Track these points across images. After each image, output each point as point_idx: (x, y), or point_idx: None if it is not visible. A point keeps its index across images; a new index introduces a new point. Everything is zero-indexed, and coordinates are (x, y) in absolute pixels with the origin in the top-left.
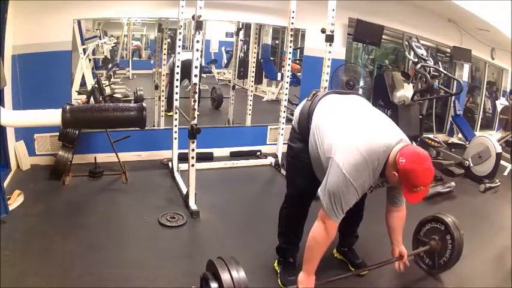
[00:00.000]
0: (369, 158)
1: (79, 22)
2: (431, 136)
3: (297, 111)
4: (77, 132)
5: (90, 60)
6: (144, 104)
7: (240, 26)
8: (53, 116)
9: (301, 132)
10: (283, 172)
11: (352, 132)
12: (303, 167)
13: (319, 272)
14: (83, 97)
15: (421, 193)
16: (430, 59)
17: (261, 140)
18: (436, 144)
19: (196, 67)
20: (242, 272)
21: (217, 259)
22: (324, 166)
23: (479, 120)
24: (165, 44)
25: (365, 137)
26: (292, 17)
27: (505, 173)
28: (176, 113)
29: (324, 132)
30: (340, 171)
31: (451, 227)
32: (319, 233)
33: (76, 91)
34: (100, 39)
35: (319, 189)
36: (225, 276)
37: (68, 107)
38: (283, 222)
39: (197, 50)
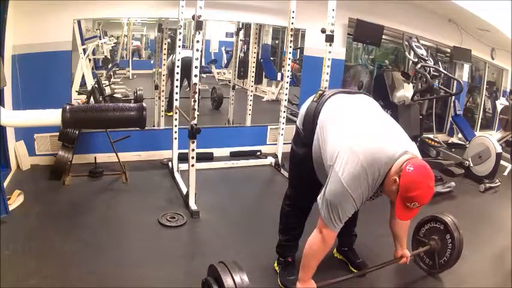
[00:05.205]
0: (369, 169)
1: (79, 22)
2: (431, 136)
3: (302, 111)
4: (77, 132)
5: (90, 60)
6: (144, 104)
7: (240, 26)
8: (53, 116)
9: (306, 135)
10: (283, 172)
11: (355, 141)
12: (306, 172)
13: (320, 272)
14: (83, 97)
15: (413, 211)
16: (430, 59)
17: (261, 140)
18: (436, 144)
19: (196, 67)
20: (245, 277)
21: (218, 263)
22: (326, 171)
23: (479, 120)
24: (165, 44)
25: (368, 146)
26: (292, 17)
27: (505, 173)
28: (176, 113)
29: (327, 137)
30: (339, 180)
31: (451, 227)
32: (316, 243)
33: (76, 91)
34: (100, 39)
35: (318, 197)
36: (227, 281)
37: (68, 107)
38: (283, 219)
39: (197, 50)
